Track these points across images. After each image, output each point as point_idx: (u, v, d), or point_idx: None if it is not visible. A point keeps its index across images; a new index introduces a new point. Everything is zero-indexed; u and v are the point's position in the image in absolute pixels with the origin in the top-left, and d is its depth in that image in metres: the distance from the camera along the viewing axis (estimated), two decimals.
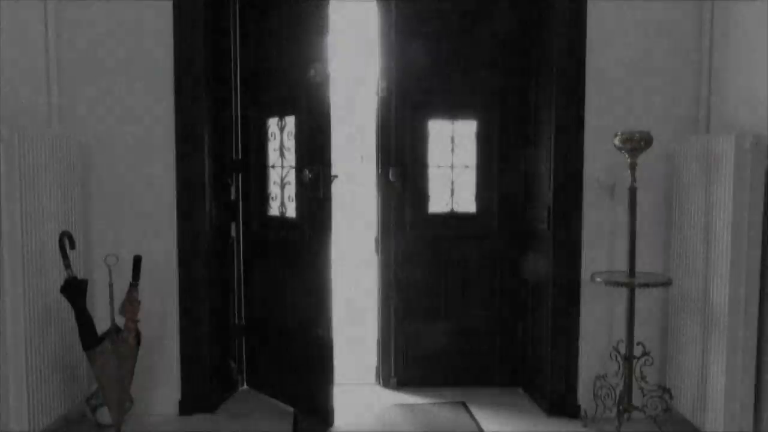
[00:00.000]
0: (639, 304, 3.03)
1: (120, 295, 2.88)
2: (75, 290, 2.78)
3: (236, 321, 3.64)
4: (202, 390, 3.29)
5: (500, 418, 3.28)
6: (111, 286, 2.87)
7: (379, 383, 3.73)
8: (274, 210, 3.48)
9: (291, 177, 3.36)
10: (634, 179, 2.90)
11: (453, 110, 3.63)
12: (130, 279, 2.92)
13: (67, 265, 2.78)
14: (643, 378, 3.00)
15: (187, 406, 3.28)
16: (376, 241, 3.70)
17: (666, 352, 3.17)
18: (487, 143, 3.63)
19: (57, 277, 2.82)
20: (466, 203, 3.68)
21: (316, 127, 3.12)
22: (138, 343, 2.91)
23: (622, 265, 3.07)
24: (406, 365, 3.70)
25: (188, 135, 3.19)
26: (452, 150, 3.65)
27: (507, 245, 3.64)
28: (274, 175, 3.47)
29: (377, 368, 3.76)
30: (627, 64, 3.19)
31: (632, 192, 2.91)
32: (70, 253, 2.80)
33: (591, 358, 3.25)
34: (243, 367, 3.68)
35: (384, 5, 3.57)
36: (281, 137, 3.41)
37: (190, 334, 3.26)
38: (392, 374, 3.69)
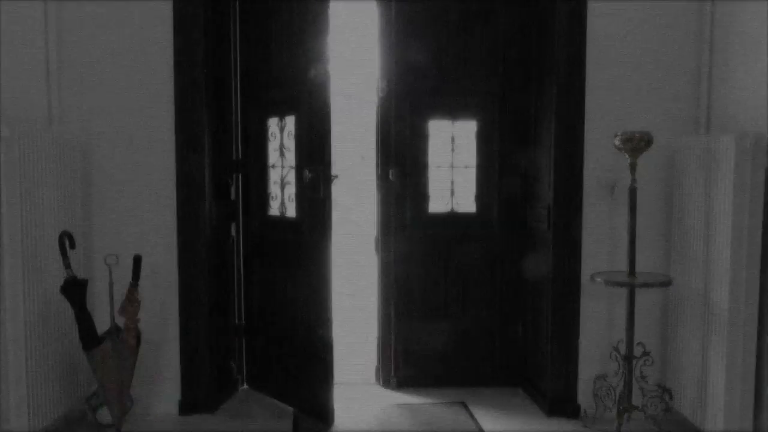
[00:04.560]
0: (639, 304, 3.03)
1: (120, 295, 2.88)
2: (75, 290, 2.78)
3: (236, 321, 3.64)
4: (202, 390, 3.29)
5: (500, 418, 3.28)
6: (111, 286, 2.87)
7: (379, 383, 3.73)
8: (274, 210, 3.48)
9: (291, 177, 3.36)
10: (634, 179, 2.90)
11: (453, 110, 3.63)
12: (130, 279, 2.92)
13: (67, 265, 2.78)
14: (643, 378, 3.00)
15: (187, 406, 3.28)
16: (376, 240, 3.70)
17: (666, 352, 3.18)
18: (487, 143, 3.63)
19: (57, 277, 2.82)
20: (466, 203, 3.68)
21: (316, 127, 3.12)
22: (138, 343, 2.91)
23: (622, 265, 3.07)
24: (406, 365, 3.70)
25: (188, 135, 3.19)
26: (452, 150, 3.65)
27: (507, 245, 3.64)
28: (274, 175, 3.47)
29: (377, 368, 3.76)
30: (627, 64, 3.19)
31: (632, 192, 2.91)
32: (70, 253, 2.81)
33: (591, 358, 3.25)
34: (243, 367, 3.68)
35: (384, 5, 3.57)
36: (281, 137, 3.41)
37: (190, 334, 3.26)
38: (392, 374, 3.69)
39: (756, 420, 2.72)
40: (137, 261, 2.95)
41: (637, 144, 2.84)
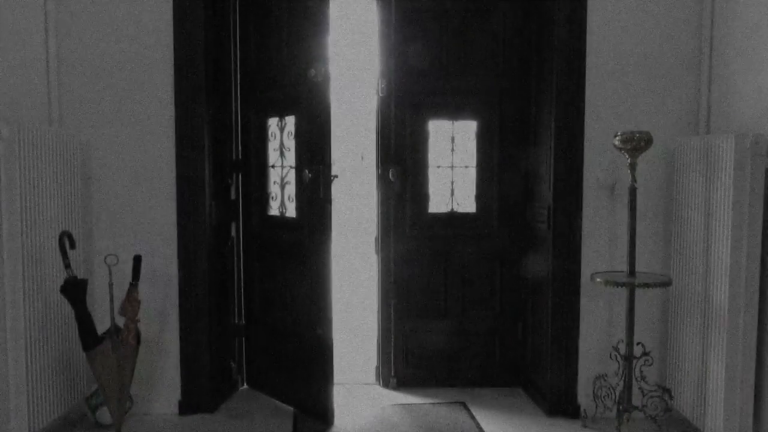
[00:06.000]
0: (639, 304, 3.04)
1: (120, 295, 2.88)
2: (75, 290, 2.78)
3: (236, 321, 3.64)
4: (202, 390, 3.29)
5: (500, 418, 3.28)
6: (111, 286, 2.87)
7: (379, 383, 3.73)
8: (274, 210, 3.48)
9: (291, 177, 3.36)
10: (634, 179, 2.90)
11: (453, 110, 3.63)
12: (130, 279, 2.92)
13: (67, 265, 2.78)
14: (643, 378, 3.00)
15: (187, 406, 3.29)
16: (376, 241, 3.70)
17: (666, 352, 3.18)
18: (487, 143, 3.63)
19: (57, 277, 2.82)
20: (466, 203, 3.68)
21: (316, 127, 3.12)
22: (138, 343, 2.91)
23: (622, 265, 3.07)
24: (406, 365, 3.70)
25: (188, 135, 3.19)
26: (452, 150, 3.65)
27: (507, 245, 3.65)
28: (274, 175, 3.47)
29: (377, 368, 3.76)
30: (627, 64, 3.19)
31: (632, 192, 2.91)
32: (70, 253, 2.80)
33: (591, 358, 3.25)
34: (243, 367, 3.69)
35: (384, 5, 3.57)
36: (281, 137, 3.41)
37: (190, 334, 3.26)
38: (392, 374, 3.70)
39: (756, 420, 2.72)
40: (137, 261, 2.95)
41: (637, 144, 2.84)
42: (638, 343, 2.99)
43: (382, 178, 3.63)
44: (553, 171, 3.22)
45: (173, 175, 3.20)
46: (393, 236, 3.65)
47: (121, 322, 2.89)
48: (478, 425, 3.19)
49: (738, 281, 2.66)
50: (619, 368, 3.04)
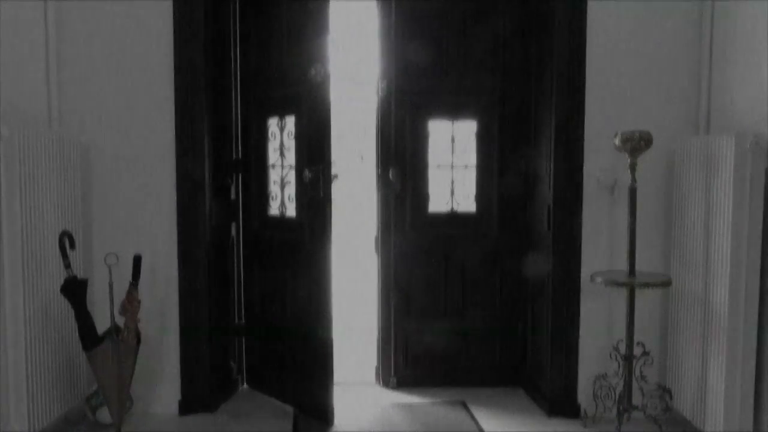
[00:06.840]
0: (639, 304, 3.03)
1: (120, 295, 2.88)
2: (75, 290, 2.78)
3: (236, 321, 3.64)
4: (202, 390, 3.29)
5: (500, 418, 3.28)
6: (111, 286, 2.87)
7: (379, 383, 3.73)
8: (274, 210, 3.48)
9: (291, 177, 3.36)
10: (634, 179, 2.90)
11: (453, 110, 3.63)
12: (130, 279, 2.92)
13: (67, 265, 2.78)
14: (643, 378, 3.00)
15: (187, 406, 3.29)
16: (376, 240, 3.70)
17: (666, 352, 3.18)
18: (487, 143, 3.63)
19: (57, 277, 2.82)
20: (466, 203, 3.68)
21: (316, 126, 3.12)
22: (138, 342, 2.91)
23: (622, 265, 3.07)
24: (405, 365, 3.70)
25: (188, 135, 3.19)
26: (452, 150, 3.65)
27: (507, 245, 3.64)
28: (274, 175, 3.47)
29: (377, 368, 3.76)
30: (627, 65, 3.19)
31: (632, 192, 2.91)
32: (70, 253, 2.81)
33: (591, 358, 3.25)
34: (243, 367, 3.68)
35: (384, 5, 3.57)
36: (281, 137, 3.41)
37: (190, 334, 3.26)
38: (392, 374, 3.69)
39: (756, 420, 2.72)
40: (137, 261, 2.95)
41: (637, 144, 2.84)
42: (638, 343, 2.99)
43: (382, 178, 3.63)
44: (553, 171, 3.22)
45: (173, 175, 3.20)
46: (393, 236, 3.65)
47: (121, 322, 2.89)
48: (478, 425, 3.19)
49: (738, 281, 2.66)
50: (619, 368, 3.04)
